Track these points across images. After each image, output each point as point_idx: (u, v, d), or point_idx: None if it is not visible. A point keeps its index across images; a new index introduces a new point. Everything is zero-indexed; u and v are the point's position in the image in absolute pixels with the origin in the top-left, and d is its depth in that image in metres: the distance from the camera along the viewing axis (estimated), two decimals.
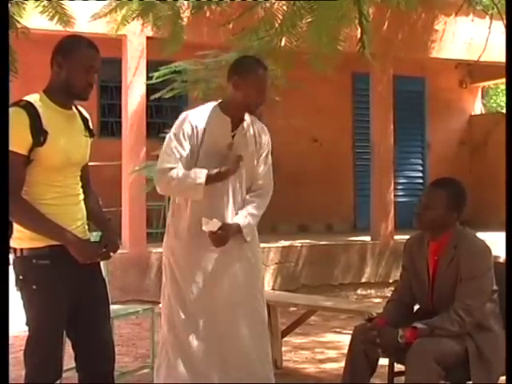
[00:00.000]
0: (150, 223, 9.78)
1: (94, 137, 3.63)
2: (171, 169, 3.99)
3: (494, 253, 4.06)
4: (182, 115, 4.13)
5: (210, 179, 3.95)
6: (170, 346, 4.08)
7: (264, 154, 4.24)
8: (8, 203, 3.16)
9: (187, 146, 4.00)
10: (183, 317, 4.04)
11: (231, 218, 4.07)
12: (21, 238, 3.34)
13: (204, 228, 3.91)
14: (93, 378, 3.49)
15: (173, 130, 4.09)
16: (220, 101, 4.20)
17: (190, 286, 4.04)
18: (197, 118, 4.07)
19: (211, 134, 4.04)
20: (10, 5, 5.19)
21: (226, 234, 3.97)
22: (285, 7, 5.60)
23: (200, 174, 3.94)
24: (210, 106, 4.16)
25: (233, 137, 4.11)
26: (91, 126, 3.61)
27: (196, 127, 4.02)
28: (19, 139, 3.25)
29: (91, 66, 3.40)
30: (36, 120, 3.27)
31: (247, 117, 4.16)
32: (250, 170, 4.17)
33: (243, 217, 4.08)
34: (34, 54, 7.57)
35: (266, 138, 4.26)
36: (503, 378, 3.99)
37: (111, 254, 3.49)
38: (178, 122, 4.10)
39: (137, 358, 6.25)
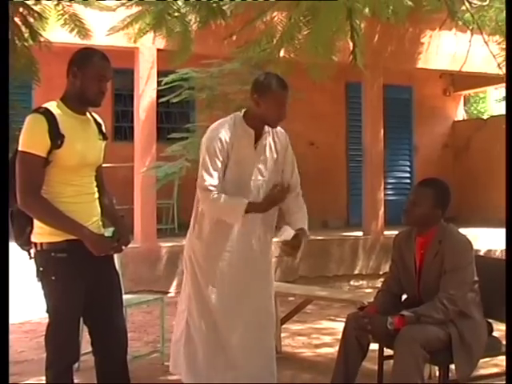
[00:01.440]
0: (160, 220, 9.77)
1: (107, 140, 3.63)
2: (212, 187, 3.90)
3: (474, 247, 4.07)
4: (211, 131, 4.02)
5: (249, 209, 3.93)
6: (186, 332, 4.10)
7: (289, 158, 4.18)
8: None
9: (220, 161, 3.93)
10: (200, 310, 4.06)
11: (255, 222, 4.05)
12: (41, 233, 3.34)
13: (282, 236, 3.95)
14: (108, 361, 3.50)
15: (204, 145, 3.99)
16: (244, 111, 4.09)
17: (208, 284, 4.03)
18: (225, 132, 3.97)
19: (237, 146, 3.98)
20: (33, 19, 5.21)
21: (298, 242, 4.01)
22: (284, 20, 5.61)
23: (241, 206, 3.91)
24: (235, 117, 4.06)
25: (255, 147, 4.04)
26: (104, 130, 3.62)
27: (225, 141, 3.94)
28: (39, 143, 3.26)
29: (103, 75, 3.40)
30: (54, 125, 3.28)
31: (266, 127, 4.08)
32: (276, 175, 4.12)
33: (304, 220, 4.21)
34: (55, 65, 7.54)
35: (283, 139, 4.17)
36: (482, 361, 4.01)
37: (123, 247, 3.50)
38: (208, 138, 3.99)
39: (148, 343, 6.24)
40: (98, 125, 3.57)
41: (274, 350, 4.22)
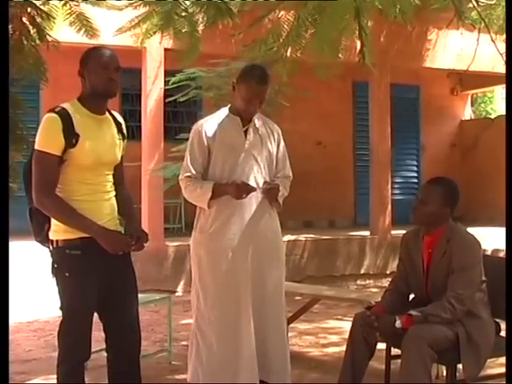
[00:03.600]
0: (167, 219, 9.78)
1: (125, 139, 3.65)
2: (188, 177, 4.07)
3: (482, 246, 4.06)
4: (194, 126, 4.18)
5: (216, 193, 4.01)
6: (197, 332, 4.11)
7: (281, 144, 4.29)
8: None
9: (200, 154, 4.07)
10: (207, 305, 4.08)
11: (255, 211, 4.09)
12: (57, 230, 3.38)
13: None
14: (120, 359, 3.53)
15: (188, 142, 4.16)
16: (230, 105, 4.23)
17: (215, 277, 4.06)
18: (205, 124, 4.12)
19: (223, 134, 4.08)
20: (40, 19, 5.21)
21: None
22: (291, 19, 5.61)
23: (207, 188, 4.00)
24: (220, 110, 4.22)
25: (245, 132, 4.12)
26: (124, 130, 3.63)
27: (205, 132, 4.07)
28: (53, 142, 3.29)
29: (107, 63, 3.39)
30: (68, 124, 3.31)
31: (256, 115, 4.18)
32: (270, 161, 4.21)
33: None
34: (62, 65, 7.57)
35: (276, 129, 4.29)
36: (490, 361, 3.99)
37: (144, 244, 3.54)
38: (190, 134, 4.15)
39: (155, 342, 6.25)
40: (118, 124, 3.59)
41: (286, 337, 4.26)
